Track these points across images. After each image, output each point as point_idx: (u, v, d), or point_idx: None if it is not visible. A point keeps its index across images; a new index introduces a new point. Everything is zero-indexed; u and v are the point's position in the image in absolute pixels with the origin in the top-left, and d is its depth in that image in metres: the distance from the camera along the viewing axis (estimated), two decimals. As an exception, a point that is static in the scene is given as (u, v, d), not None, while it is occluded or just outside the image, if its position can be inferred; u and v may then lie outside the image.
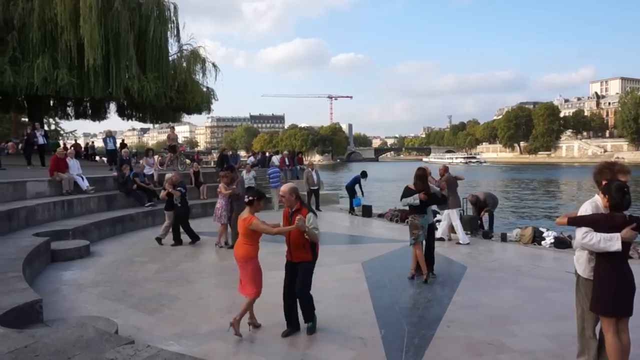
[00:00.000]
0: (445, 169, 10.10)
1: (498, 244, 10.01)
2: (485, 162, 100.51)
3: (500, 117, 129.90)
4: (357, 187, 15.15)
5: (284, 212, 4.99)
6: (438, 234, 9.55)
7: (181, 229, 9.65)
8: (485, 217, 11.14)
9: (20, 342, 2.82)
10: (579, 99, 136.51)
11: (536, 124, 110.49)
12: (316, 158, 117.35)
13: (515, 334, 4.83)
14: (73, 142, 36.85)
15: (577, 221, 3.58)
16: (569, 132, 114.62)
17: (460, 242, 9.68)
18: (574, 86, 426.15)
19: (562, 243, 9.28)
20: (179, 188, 9.49)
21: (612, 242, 3.31)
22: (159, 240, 9.42)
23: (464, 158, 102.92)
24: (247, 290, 4.78)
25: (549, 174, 61.89)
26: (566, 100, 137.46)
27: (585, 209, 3.63)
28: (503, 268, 7.83)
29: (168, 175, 9.75)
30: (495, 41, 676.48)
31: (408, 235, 7.25)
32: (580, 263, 3.77)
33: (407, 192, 7.03)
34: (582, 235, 3.44)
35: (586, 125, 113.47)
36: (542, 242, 9.56)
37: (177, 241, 9.52)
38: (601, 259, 3.46)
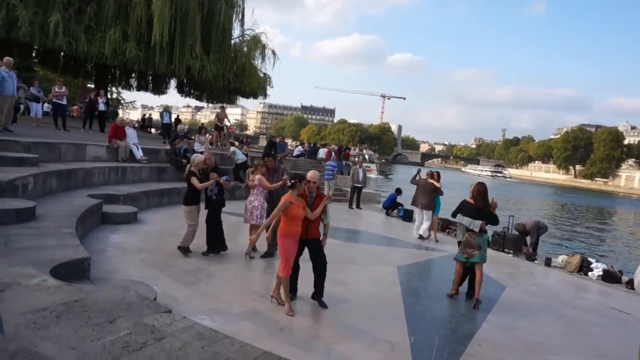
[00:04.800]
0: (437, 175, 11.09)
1: (541, 267, 9.63)
2: (510, 177, 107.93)
3: (558, 136, 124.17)
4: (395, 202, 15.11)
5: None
6: (419, 232, 10.87)
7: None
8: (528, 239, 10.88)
9: (72, 296, 3.00)
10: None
11: (596, 149, 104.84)
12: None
13: (551, 364, 4.65)
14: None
15: None
16: (631, 161, 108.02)
17: (421, 233, 10.79)
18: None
19: (611, 277, 8.82)
20: (225, 177, 7.19)
21: None
22: (184, 249, 6.90)
23: (491, 172, 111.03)
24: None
25: (582, 199, 58.61)
26: (633, 127, 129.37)
27: None
28: (544, 293, 7.54)
29: (200, 158, 7.00)
30: (561, 56, 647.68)
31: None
32: None
33: (465, 208, 6.37)
34: None
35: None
36: (589, 273, 9.12)
37: (219, 246, 7.21)
38: None
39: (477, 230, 6.19)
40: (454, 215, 6.56)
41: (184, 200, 6.93)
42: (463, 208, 6.38)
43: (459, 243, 6.54)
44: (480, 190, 6.31)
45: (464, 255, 6.31)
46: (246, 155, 15.70)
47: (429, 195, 10.73)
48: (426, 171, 11.75)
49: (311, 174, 5.37)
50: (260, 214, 7.38)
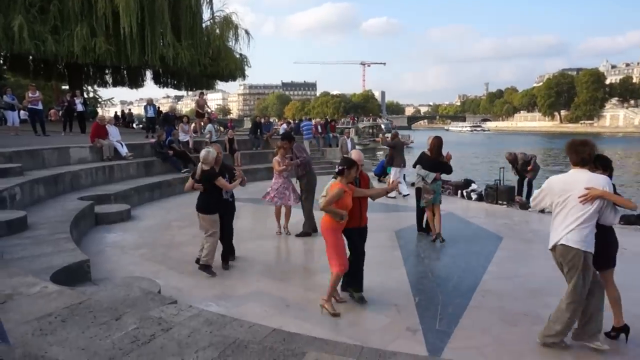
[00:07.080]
0: (395, 135, 12.45)
1: (535, 215, 9.77)
2: (488, 130, 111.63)
3: (541, 84, 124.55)
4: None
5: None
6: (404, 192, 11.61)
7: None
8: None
9: (75, 299, 3.00)
10: (627, 64, 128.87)
11: (579, 92, 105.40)
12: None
13: (552, 306, 4.74)
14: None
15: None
16: (614, 100, 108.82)
17: (402, 192, 11.52)
18: (621, 51, 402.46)
19: (604, 215, 8.99)
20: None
21: None
22: (206, 268, 5.64)
23: (470, 127, 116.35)
24: (331, 264, 4.55)
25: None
26: (613, 67, 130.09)
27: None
28: (540, 239, 7.64)
29: (212, 154, 5.57)
30: (537, 2, 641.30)
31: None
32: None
33: (423, 159, 7.38)
34: None
35: (634, 93, 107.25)
36: (582, 214, 9.30)
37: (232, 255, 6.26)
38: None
39: (430, 181, 7.18)
40: (414, 165, 7.56)
41: (204, 208, 5.59)
42: (422, 159, 7.39)
43: (418, 190, 7.58)
44: (436, 143, 7.27)
45: (423, 201, 7.31)
46: (232, 139, 15.61)
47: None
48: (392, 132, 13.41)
49: (357, 156, 4.83)
50: (278, 194, 7.54)
